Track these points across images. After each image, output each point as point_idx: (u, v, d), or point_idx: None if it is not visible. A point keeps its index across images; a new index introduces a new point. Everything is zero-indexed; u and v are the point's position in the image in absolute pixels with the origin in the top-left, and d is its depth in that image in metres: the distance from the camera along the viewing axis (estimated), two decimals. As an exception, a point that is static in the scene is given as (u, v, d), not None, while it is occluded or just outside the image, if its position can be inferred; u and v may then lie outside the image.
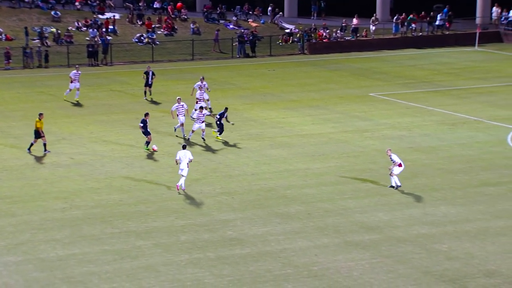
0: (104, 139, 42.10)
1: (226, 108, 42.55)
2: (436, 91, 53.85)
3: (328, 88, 55.17)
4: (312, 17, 78.56)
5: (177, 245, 28.66)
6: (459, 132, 43.54)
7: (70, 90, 50.25)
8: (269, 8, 77.03)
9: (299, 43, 69.58)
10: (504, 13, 73.09)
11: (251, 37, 68.15)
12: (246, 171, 37.10)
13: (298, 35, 70.34)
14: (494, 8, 73.92)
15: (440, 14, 72.56)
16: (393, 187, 34.30)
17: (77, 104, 49.80)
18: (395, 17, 72.27)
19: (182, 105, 42.05)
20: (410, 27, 72.11)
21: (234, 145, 41.03)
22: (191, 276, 26.27)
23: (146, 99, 50.43)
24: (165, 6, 76.36)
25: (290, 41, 70.93)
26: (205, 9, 77.20)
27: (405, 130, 43.87)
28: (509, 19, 72.53)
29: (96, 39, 66.33)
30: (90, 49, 63.65)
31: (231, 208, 32.50)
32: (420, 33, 72.35)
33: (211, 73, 58.94)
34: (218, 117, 41.84)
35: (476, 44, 69.51)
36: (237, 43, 67.80)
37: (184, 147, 34.81)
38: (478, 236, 29.48)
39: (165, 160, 38.49)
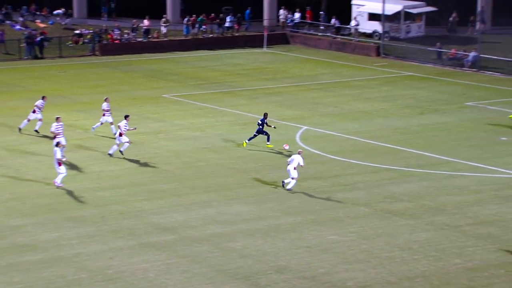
0: None
1: (266, 114, 40.79)
2: (228, 92, 54.74)
3: (121, 90, 54.81)
4: (103, 18, 77.74)
5: (-36, 254, 27.56)
6: (250, 132, 44.38)
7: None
8: (60, 11, 75.47)
9: (90, 45, 68.65)
10: (289, 15, 75.39)
11: (39, 38, 66.48)
12: (38, 175, 36.18)
13: (89, 36, 69.37)
14: (282, 11, 76.10)
15: (230, 16, 73.84)
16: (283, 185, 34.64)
17: None
18: (186, 19, 72.85)
19: (62, 124, 38.68)
20: (201, 28, 72.92)
21: (23, 149, 39.91)
22: (-19, 286, 25.35)
23: None
24: None
25: (81, 42, 69.80)
26: (-11, 9, 74.61)
27: (198, 131, 44.30)
28: (295, 21, 74.90)
29: None
30: None
31: (22, 213, 31.60)
32: (211, 35, 73.31)
33: (-2, 75, 56.96)
34: (261, 123, 40.06)
35: (265, 45, 71.28)
36: (25, 44, 65.94)
37: (56, 145, 34.64)
38: (269, 233, 30.19)
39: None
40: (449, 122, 46.39)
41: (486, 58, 61.04)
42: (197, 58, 67.31)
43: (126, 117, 39.54)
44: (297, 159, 34.44)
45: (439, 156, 39.75)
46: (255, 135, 40.64)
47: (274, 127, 41.25)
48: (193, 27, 72.57)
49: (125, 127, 38.92)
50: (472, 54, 61.70)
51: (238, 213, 32.18)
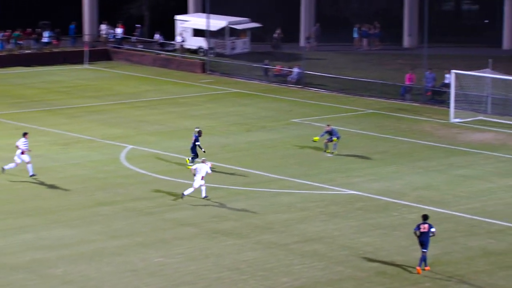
0: None
1: (200, 131, 39.35)
2: (48, 110, 53.01)
3: None
4: None
5: None
6: (72, 152, 43.10)
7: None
8: None
9: None
10: (111, 31, 73.93)
11: None
12: None
13: None
14: (103, 26, 74.53)
15: (48, 31, 71.54)
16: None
17: None
18: (0, 34, 70.11)
19: None
20: (17, 44, 70.32)
21: None
22: None
23: None
24: None
25: None
26: None
27: (14, 152, 42.20)
28: (117, 36, 73.53)
29: None
30: None
31: None
32: (28, 51, 70.79)
33: None
34: (194, 143, 39.03)
35: (86, 62, 69.46)
36: None
37: None
38: (94, 257, 29.17)
39: None
40: (276, 139, 46.48)
41: (310, 75, 61.84)
42: (13, 75, 64.92)
43: (24, 134, 38.01)
44: (204, 168, 34.70)
45: (266, 174, 39.67)
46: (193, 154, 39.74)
47: (204, 151, 39.52)
48: (8, 42, 69.97)
49: (25, 145, 37.45)
50: (296, 70, 62.34)
51: (60, 238, 30.95)
